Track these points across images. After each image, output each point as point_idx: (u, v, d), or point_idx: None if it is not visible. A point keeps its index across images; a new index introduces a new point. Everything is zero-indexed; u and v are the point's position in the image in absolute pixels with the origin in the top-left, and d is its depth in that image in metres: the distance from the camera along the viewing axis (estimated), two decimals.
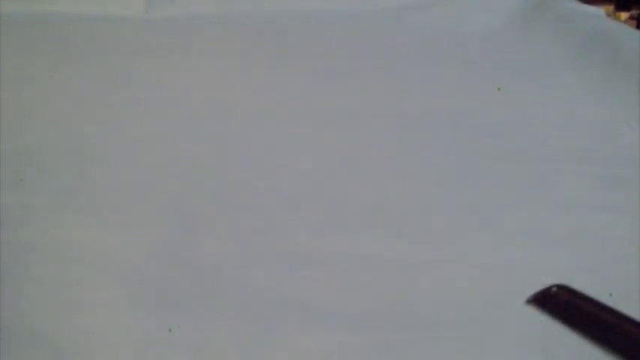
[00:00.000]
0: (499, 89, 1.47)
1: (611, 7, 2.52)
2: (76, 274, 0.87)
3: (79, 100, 1.42)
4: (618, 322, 0.77)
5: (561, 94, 1.48)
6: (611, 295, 0.80)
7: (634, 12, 2.58)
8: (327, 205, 1.04)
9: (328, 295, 0.84)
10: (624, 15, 2.58)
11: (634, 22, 2.53)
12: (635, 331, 0.76)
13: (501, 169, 1.15)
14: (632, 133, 1.27)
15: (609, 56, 1.59)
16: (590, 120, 1.34)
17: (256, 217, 1.01)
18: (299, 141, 1.25)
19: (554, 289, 0.81)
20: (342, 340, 0.77)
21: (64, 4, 1.95)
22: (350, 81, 1.56)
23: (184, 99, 1.42)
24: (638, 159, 1.16)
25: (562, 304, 0.80)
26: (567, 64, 1.63)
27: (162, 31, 1.87)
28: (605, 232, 0.98)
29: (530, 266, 0.90)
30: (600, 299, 0.79)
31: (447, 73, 1.61)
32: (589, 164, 1.17)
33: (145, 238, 0.95)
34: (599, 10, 1.99)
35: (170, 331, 0.77)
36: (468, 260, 0.92)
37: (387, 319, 0.81)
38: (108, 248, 0.92)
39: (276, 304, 0.83)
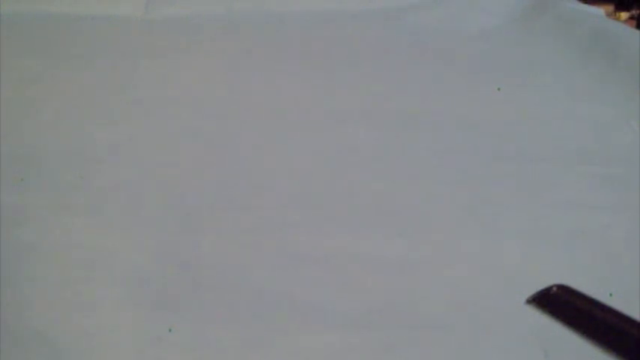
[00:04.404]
0: (499, 89, 1.47)
1: (611, 7, 2.52)
2: (76, 274, 0.87)
3: (79, 100, 1.42)
4: (618, 322, 0.77)
5: (561, 93, 1.48)
6: (611, 295, 0.80)
7: (634, 12, 2.58)
8: (327, 205, 1.04)
9: (328, 295, 0.84)
10: (624, 15, 2.58)
11: (634, 22, 2.54)
12: (635, 331, 0.76)
13: (501, 169, 1.15)
14: (632, 132, 1.27)
15: (609, 56, 1.59)
16: (591, 120, 1.34)
17: (256, 216, 1.01)
18: (299, 140, 1.25)
19: (554, 289, 0.81)
20: (342, 340, 0.77)
21: (64, 4, 1.95)
22: (350, 81, 1.55)
23: (184, 99, 1.42)
24: (638, 159, 1.16)
25: (562, 304, 0.80)
26: (567, 63, 1.63)
27: (163, 31, 1.87)
28: (605, 232, 0.98)
29: (530, 266, 0.90)
30: (600, 299, 0.79)
31: (447, 73, 1.61)
32: (589, 164, 1.17)
33: (145, 238, 0.95)
34: (599, 10, 1.99)
35: (170, 331, 0.77)
36: (468, 260, 0.92)
37: (387, 319, 0.81)
38: (108, 248, 0.92)
39: (276, 304, 0.83)
